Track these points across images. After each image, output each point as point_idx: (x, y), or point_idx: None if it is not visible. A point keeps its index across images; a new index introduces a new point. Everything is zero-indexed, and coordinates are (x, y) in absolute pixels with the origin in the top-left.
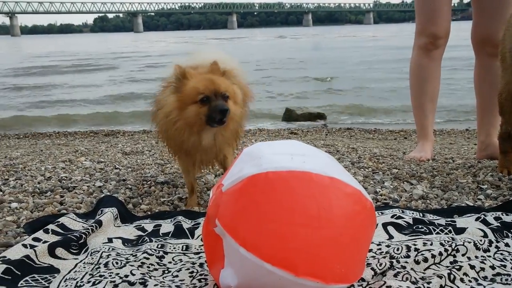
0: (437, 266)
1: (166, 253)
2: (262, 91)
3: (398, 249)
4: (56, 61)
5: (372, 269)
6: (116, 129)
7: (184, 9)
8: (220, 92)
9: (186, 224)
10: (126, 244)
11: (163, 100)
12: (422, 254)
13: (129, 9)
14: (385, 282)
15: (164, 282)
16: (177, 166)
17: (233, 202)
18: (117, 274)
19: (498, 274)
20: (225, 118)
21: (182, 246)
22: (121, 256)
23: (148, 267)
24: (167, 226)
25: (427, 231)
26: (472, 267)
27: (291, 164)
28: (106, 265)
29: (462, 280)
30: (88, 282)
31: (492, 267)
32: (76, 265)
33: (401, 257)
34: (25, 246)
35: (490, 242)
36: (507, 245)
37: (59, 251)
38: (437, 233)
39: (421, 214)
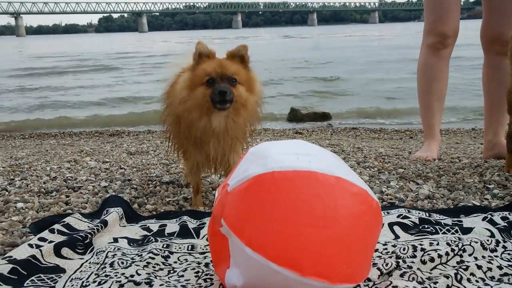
0: (444, 266)
1: (172, 253)
2: (267, 91)
3: (404, 249)
4: (61, 61)
5: (378, 269)
6: (121, 129)
7: (189, 9)
8: (226, 75)
9: (192, 224)
10: (131, 244)
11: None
12: (428, 254)
13: (133, 9)
14: (391, 282)
15: (169, 282)
16: (182, 166)
17: (238, 202)
18: (123, 274)
19: (506, 274)
20: (227, 100)
21: (188, 246)
22: (126, 256)
23: (154, 267)
24: (172, 226)
25: (434, 231)
26: (479, 267)
27: (296, 164)
28: (111, 265)
29: (469, 280)
30: (94, 282)
31: (500, 267)
32: (81, 265)
33: (407, 257)
34: (31, 246)
35: (497, 242)
36: None
37: (65, 251)
38: (444, 233)
39: (427, 214)
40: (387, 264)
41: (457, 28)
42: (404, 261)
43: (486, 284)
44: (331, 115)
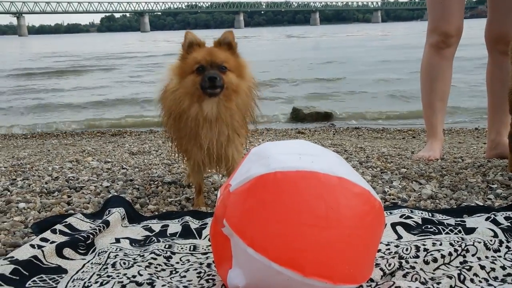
0: (447, 267)
1: (174, 253)
2: (269, 91)
3: (407, 249)
4: (65, 61)
5: (381, 269)
6: (123, 129)
7: (191, 9)
8: (216, 62)
9: (194, 224)
10: (133, 245)
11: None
12: (431, 254)
13: (135, 9)
14: (394, 283)
15: (171, 282)
16: (184, 166)
17: (241, 202)
18: (125, 274)
19: (509, 274)
20: (217, 85)
21: (190, 247)
22: (128, 257)
23: (156, 267)
24: (174, 226)
25: (436, 231)
26: (483, 267)
27: (299, 164)
28: (113, 265)
29: (472, 280)
30: (96, 282)
31: (503, 268)
32: (83, 265)
33: (410, 257)
34: (32, 246)
35: (501, 242)
36: None
37: (67, 251)
38: (447, 233)
39: (430, 214)
40: (389, 265)
41: (460, 28)
42: (407, 262)
43: (490, 285)
44: (333, 114)
